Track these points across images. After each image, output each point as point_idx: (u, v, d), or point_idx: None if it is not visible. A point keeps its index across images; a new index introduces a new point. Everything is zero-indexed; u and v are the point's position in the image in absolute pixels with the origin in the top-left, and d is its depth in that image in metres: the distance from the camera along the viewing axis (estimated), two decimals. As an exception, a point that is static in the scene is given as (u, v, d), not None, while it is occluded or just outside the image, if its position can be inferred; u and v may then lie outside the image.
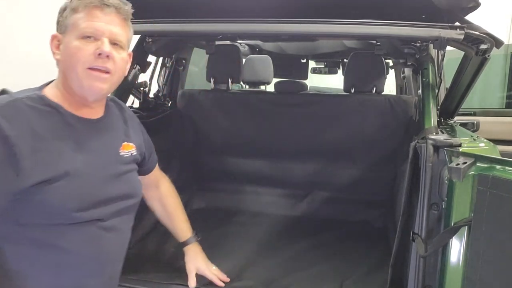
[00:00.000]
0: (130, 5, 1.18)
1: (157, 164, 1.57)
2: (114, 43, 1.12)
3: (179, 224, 1.66)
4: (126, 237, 1.31)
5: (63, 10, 1.12)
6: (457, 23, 1.58)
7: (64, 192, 1.06)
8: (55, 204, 1.06)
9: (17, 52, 2.58)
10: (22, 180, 1.00)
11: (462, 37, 1.51)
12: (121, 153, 1.26)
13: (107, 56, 1.09)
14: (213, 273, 1.70)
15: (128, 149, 1.29)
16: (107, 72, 1.11)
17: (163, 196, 1.62)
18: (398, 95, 3.01)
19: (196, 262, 1.66)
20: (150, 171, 1.52)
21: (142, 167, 1.44)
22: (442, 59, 1.90)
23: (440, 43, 1.54)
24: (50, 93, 1.13)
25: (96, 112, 1.21)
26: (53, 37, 1.13)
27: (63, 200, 1.07)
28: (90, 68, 1.09)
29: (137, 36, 2.13)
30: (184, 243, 1.67)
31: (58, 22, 1.13)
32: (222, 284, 1.70)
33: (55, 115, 1.10)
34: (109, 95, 1.26)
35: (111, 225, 1.19)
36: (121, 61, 1.14)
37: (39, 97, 1.10)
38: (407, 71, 2.97)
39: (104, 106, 1.25)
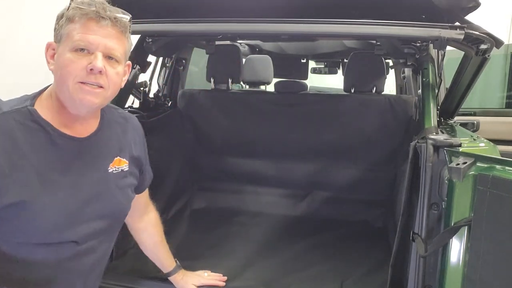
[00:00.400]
0: (130, 16, 1.12)
1: (147, 190, 1.50)
2: (109, 57, 1.07)
3: (164, 256, 1.61)
4: (104, 256, 1.27)
5: (60, 17, 1.07)
6: (457, 23, 1.58)
7: (40, 214, 1.04)
8: (28, 225, 1.04)
9: (17, 52, 2.58)
10: (1, 196, 0.98)
11: (462, 37, 1.51)
12: (110, 170, 1.21)
13: (100, 72, 1.04)
14: (209, 278, 1.71)
15: (120, 165, 1.23)
16: (100, 87, 1.06)
17: (149, 228, 1.55)
18: (398, 95, 3.01)
19: (189, 282, 1.66)
20: (142, 190, 1.45)
21: (140, 181, 1.39)
22: (442, 59, 1.90)
23: (440, 43, 1.54)
24: (43, 105, 1.09)
25: (88, 127, 1.16)
26: (48, 46, 1.09)
27: (38, 222, 1.04)
28: (82, 82, 1.04)
29: (137, 36, 2.13)
30: (169, 274, 1.63)
31: (54, 30, 1.08)
32: (223, 284, 1.71)
33: (40, 133, 1.06)
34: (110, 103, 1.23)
35: (86, 248, 1.16)
36: (116, 75, 1.09)
37: (28, 112, 1.06)
38: (407, 71, 2.97)
39: (98, 119, 1.20)
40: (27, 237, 1.06)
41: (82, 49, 1.04)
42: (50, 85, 1.14)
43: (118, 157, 1.23)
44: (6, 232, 1.04)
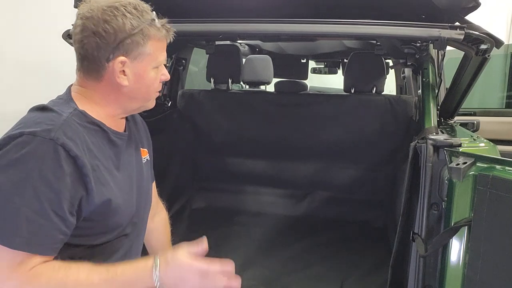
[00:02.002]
0: None
1: (155, 187, 1.48)
2: None
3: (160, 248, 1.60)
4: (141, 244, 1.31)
5: (131, 30, 1.02)
6: (457, 23, 1.58)
7: (118, 210, 1.07)
8: (112, 223, 1.07)
9: (17, 53, 2.58)
10: (91, 200, 1.00)
11: (462, 37, 1.51)
12: (143, 161, 1.26)
13: None
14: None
15: (144, 155, 1.28)
16: None
17: (159, 228, 1.54)
18: (398, 95, 3.01)
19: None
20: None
21: None
22: (442, 59, 1.90)
23: (440, 43, 1.54)
24: (87, 109, 1.07)
25: (123, 124, 1.20)
26: (118, 62, 1.04)
27: (118, 219, 1.08)
28: (157, 92, 1.16)
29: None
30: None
31: (121, 41, 1.02)
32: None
33: (99, 133, 1.07)
34: None
35: (134, 237, 1.20)
36: None
37: (81, 114, 1.05)
38: (407, 71, 2.97)
39: None
40: (106, 234, 1.08)
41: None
42: (69, 89, 1.11)
43: (142, 148, 1.28)
44: (88, 235, 1.06)
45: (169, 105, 2.64)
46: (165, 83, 2.67)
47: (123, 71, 1.05)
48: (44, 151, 0.93)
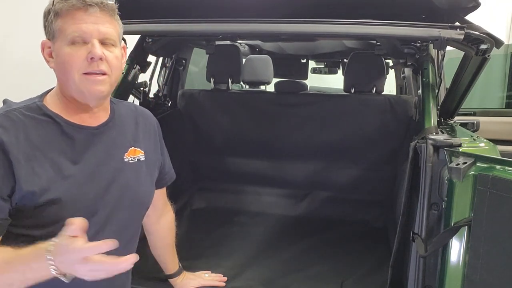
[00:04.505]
0: None
1: (165, 189, 1.48)
2: (104, 43, 1.07)
3: (170, 259, 1.63)
4: (129, 252, 1.27)
5: (47, 14, 1.07)
6: (457, 23, 1.58)
7: (60, 204, 1.04)
8: (49, 214, 1.04)
9: (17, 53, 2.58)
10: (19, 187, 1.00)
11: (462, 37, 1.51)
12: (126, 159, 1.20)
13: (100, 59, 1.05)
14: (210, 279, 1.72)
15: (135, 155, 1.23)
16: (104, 74, 1.07)
17: (164, 230, 1.56)
18: (398, 95, 3.02)
19: (188, 284, 1.67)
20: (161, 186, 1.43)
21: (159, 175, 1.38)
22: (442, 59, 1.90)
23: (440, 43, 1.54)
24: (50, 102, 1.11)
25: (98, 117, 1.17)
26: (44, 45, 1.10)
27: (61, 212, 1.03)
28: (86, 73, 1.05)
29: (137, 36, 2.13)
30: (171, 276, 1.65)
31: (45, 28, 1.09)
32: (223, 285, 1.72)
33: (51, 124, 1.08)
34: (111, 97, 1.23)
35: (107, 236, 1.14)
36: (115, 59, 1.10)
37: (37, 107, 1.08)
38: (407, 71, 2.97)
39: (108, 111, 1.20)
40: (49, 228, 1.04)
41: (77, 41, 1.04)
42: (54, 87, 1.15)
43: (133, 147, 1.23)
44: (28, 223, 1.04)
45: (169, 105, 2.64)
46: (165, 83, 2.68)
47: (51, 53, 1.08)
48: None
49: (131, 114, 1.28)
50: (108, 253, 1.10)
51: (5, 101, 1.11)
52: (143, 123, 1.31)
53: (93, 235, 1.11)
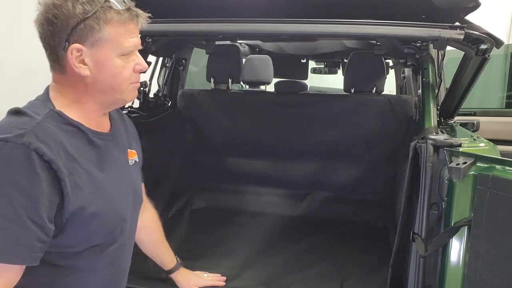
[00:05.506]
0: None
1: (143, 185, 1.43)
2: None
3: (164, 253, 1.62)
4: (132, 248, 1.28)
5: (83, 15, 0.95)
6: (457, 23, 1.59)
7: (99, 216, 1.02)
8: (92, 229, 1.03)
9: (17, 53, 2.58)
10: (67, 205, 0.96)
11: (462, 37, 1.51)
12: (130, 162, 1.21)
13: None
14: (209, 279, 1.72)
15: (132, 157, 1.23)
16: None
17: (148, 225, 1.53)
18: (398, 95, 3.01)
19: (190, 282, 1.67)
20: (142, 181, 1.42)
21: None
22: (442, 59, 1.90)
23: (440, 43, 1.54)
24: (64, 109, 1.03)
25: (108, 123, 1.15)
26: (73, 49, 0.97)
27: (100, 224, 1.03)
28: (132, 83, 1.07)
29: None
30: (170, 271, 1.65)
31: (72, 29, 0.96)
32: (223, 284, 1.72)
33: (77, 134, 1.02)
34: None
35: (124, 241, 1.16)
36: None
37: (57, 115, 1.00)
38: (407, 71, 2.97)
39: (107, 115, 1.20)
40: (89, 241, 1.04)
41: (127, 53, 1.03)
42: (47, 88, 1.08)
43: (129, 149, 1.23)
44: (67, 243, 1.01)
45: (169, 105, 2.64)
46: (165, 83, 2.68)
47: (83, 60, 0.99)
48: (16, 157, 0.89)
49: (119, 116, 1.26)
50: (118, 252, 1.14)
51: (20, 111, 0.98)
52: (128, 123, 1.31)
53: (123, 241, 1.14)
